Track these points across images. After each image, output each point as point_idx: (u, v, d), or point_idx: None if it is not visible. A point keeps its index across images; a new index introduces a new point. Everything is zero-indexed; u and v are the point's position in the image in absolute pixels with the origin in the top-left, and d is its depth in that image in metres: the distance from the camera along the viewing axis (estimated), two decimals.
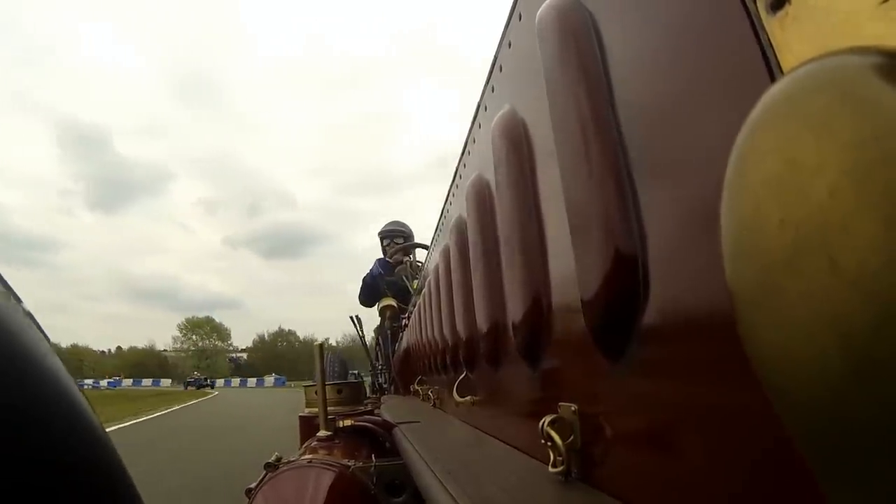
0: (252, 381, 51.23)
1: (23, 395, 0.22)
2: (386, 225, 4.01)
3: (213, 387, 42.52)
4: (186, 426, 9.35)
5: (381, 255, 3.94)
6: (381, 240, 3.98)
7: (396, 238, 3.89)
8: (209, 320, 75.21)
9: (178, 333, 71.68)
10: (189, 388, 39.26)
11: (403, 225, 4.03)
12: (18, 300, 0.25)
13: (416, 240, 3.86)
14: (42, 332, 0.25)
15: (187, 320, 73.93)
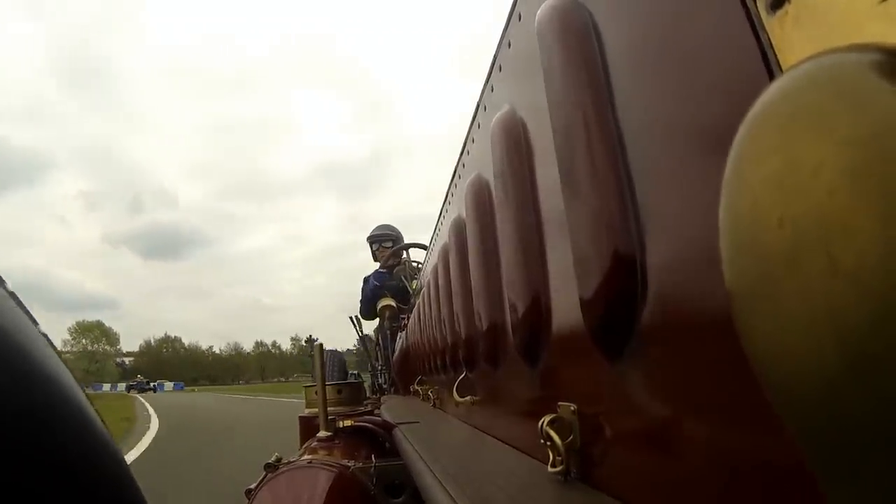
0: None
1: (25, 397, 0.22)
2: (374, 230, 4.01)
3: (156, 391, 46.11)
4: None
5: (372, 261, 3.93)
6: (371, 244, 3.97)
7: (385, 242, 3.88)
8: (99, 324, 77.01)
9: (67, 336, 73.09)
10: (131, 391, 43.63)
11: (391, 228, 4.03)
12: (19, 303, 0.25)
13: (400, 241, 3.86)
14: (43, 333, 0.25)
15: (78, 324, 75.56)
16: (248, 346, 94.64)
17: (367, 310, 3.73)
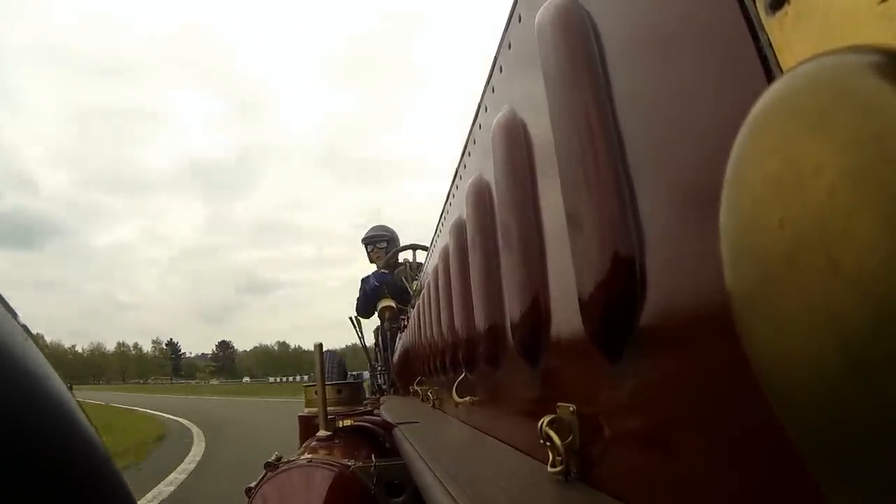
0: None
1: (14, 401, 0.22)
2: (368, 231, 3.98)
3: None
4: None
5: (369, 263, 3.92)
6: (365, 246, 3.95)
7: (379, 243, 3.86)
8: None
9: None
10: None
11: (386, 229, 4.01)
12: (14, 314, 0.25)
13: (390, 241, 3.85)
14: (23, 325, 0.25)
15: None
16: (110, 346, 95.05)
17: (366, 309, 3.72)
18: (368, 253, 3.92)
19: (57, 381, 0.25)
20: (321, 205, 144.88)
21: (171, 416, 11.85)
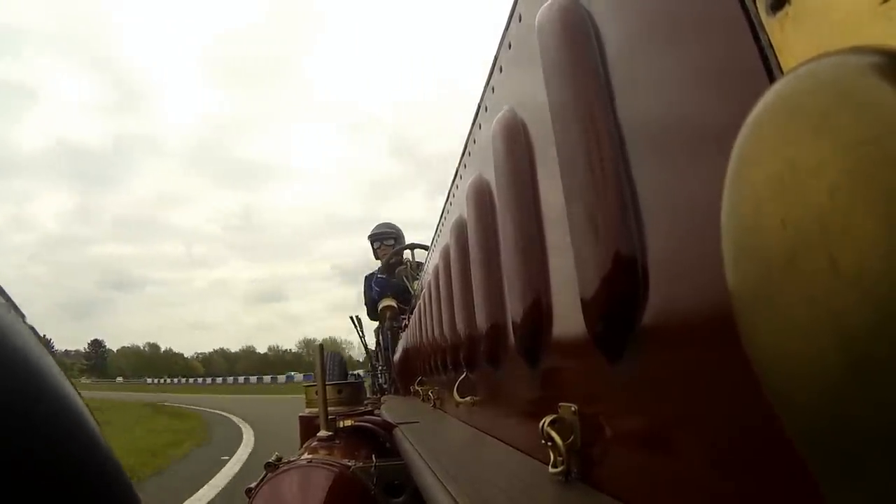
0: None
1: (20, 400, 0.22)
2: (375, 228, 3.97)
3: None
4: None
5: (374, 259, 3.92)
6: (372, 243, 3.94)
7: (386, 240, 3.85)
8: None
9: None
10: None
11: (392, 226, 4.00)
12: (22, 316, 0.25)
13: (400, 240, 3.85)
14: (30, 326, 0.25)
15: None
16: None
17: (373, 311, 3.72)
18: (375, 250, 3.91)
19: (62, 380, 0.25)
20: (193, 203, 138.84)
21: None
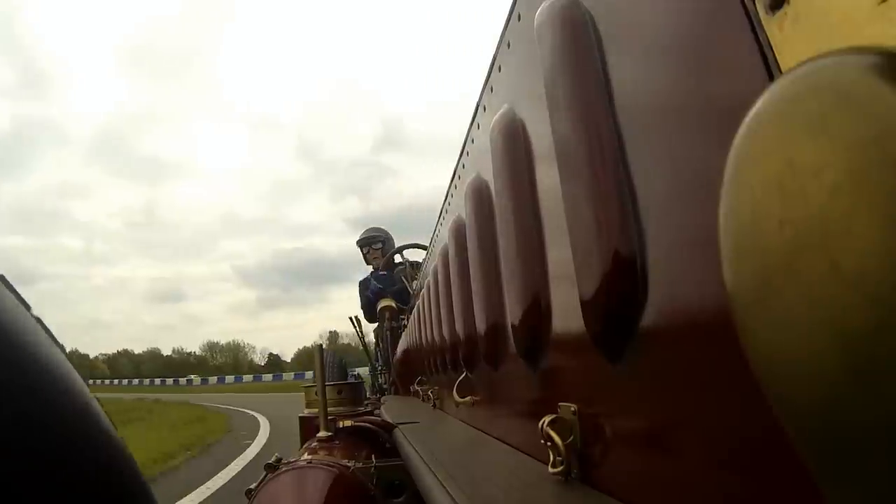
0: None
1: (35, 400, 0.22)
2: (362, 234, 3.99)
3: None
4: None
5: (365, 265, 3.92)
6: (361, 248, 3.95)
7: (374, 244, 3.86)
8: None
9: None
10: None
11: (379, 230, 4.01)
12: (27, 307, 0.25)
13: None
14: (36, 317, 0.25)
15: None
16: None
17: (371, 313, 3.72)
18: (365, 255, 3.92)
19: (73, 374, 0.25)
20: (94, 197, 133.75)
21: None
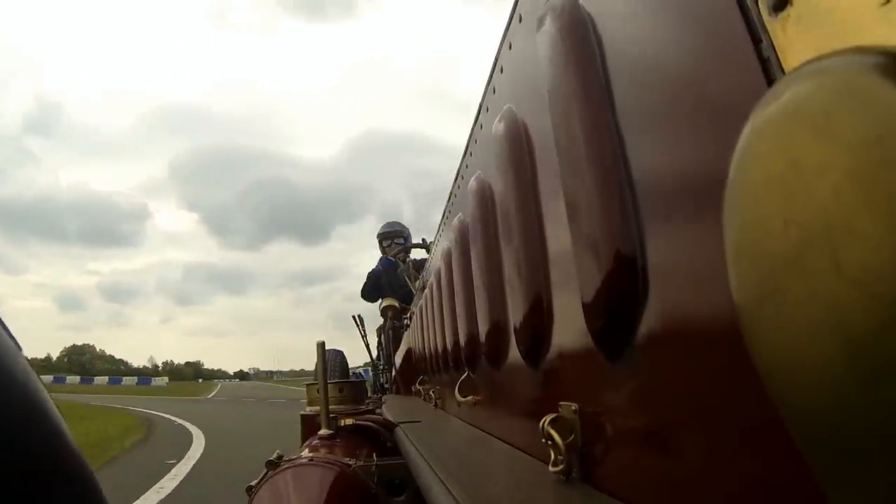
0: None
1: None
2: (383, 227, 4.05)
3: None
4: None
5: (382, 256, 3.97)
6: (381, 241, 4.00)
7: (396, 239, 3.92)
8: None
9: None
10: None
11: (401, 225, 4.07)
12: None
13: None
14: (15, 340, 0.25)
15: None
16: None
17: (370, 290, 3.76)
18: (385, 248, 3.96)
19: (29, 371, 0.25)
20: None
21: None
